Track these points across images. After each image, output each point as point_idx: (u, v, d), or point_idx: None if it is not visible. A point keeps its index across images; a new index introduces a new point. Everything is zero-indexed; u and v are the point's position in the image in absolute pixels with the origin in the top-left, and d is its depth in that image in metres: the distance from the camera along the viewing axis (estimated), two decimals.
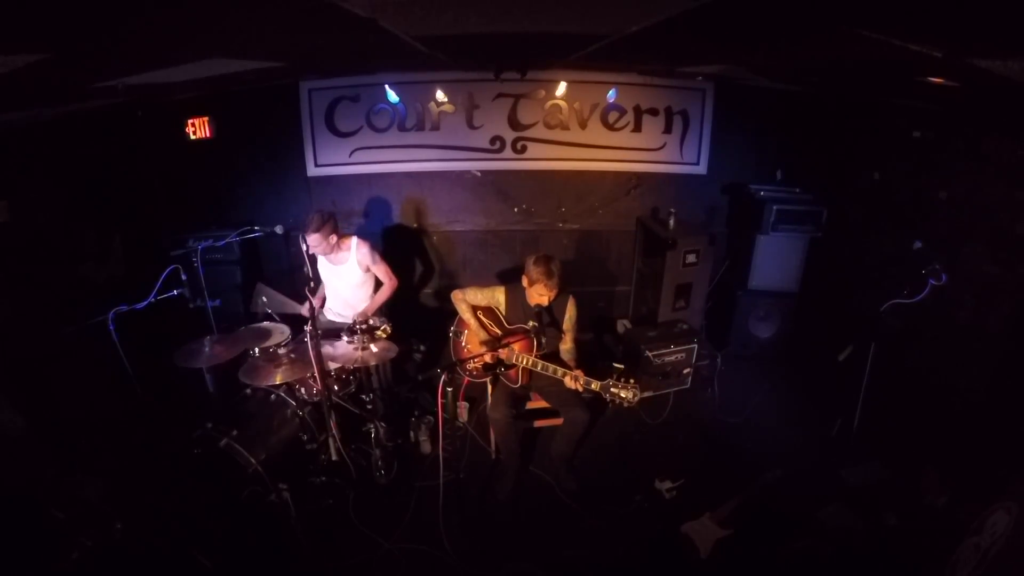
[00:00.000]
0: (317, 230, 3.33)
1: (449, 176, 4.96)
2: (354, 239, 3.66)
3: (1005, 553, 1.47)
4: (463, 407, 3.95)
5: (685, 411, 4.15)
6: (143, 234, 4.38)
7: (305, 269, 3.10)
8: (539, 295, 3.12)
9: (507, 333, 3.33)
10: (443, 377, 2.67)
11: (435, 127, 4.79)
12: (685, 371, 4.19)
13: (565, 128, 4.84)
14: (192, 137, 4.32)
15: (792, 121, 4.71)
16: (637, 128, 4.87)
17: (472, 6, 1.79)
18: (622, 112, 4.81)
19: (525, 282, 3.18)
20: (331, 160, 4.83)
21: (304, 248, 3.08)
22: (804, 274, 4.58)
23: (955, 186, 3.35)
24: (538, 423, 3.61)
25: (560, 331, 3.33)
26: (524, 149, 4.89)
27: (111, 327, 3.15)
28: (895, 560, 2.57)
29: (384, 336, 3.30)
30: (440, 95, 4.56)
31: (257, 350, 3.26)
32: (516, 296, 3.31)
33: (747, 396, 4.23)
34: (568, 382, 2.97)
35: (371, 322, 3.31)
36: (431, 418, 3.76)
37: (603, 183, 5.04)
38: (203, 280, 3.62)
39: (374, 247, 3.73)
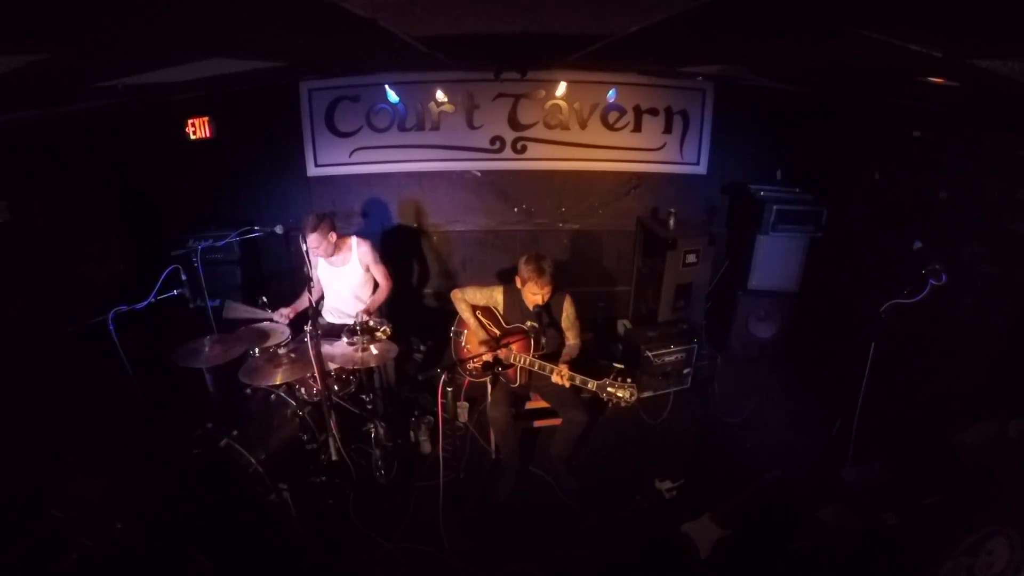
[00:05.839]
0: (315, 229, 3.37)
1: (449, 176, 4.96)
2: (353, 238, 3.69)
3: None
4: (463, 407, 3.95)
5: (685, 411, 4.15)
6: (143, 234, 4.38)
7: (305, 269, 3.11)
8: (532, 294, 3.12)
9: (505, 333, 3.33)
10: (443, 377, 2.67)
11: (435, 127, 4.79)
12: (685, 371, 4.19)
13: (565, 128, 4.84)
14: (192, 137, 4.31)
15: (792, 121, 4.71)
16: (637, 128, 4.87)
17: (472, 6, 1.78)
18: (622, 112, 4.81)
19: (518, 282, 3.19)
20: (331, 160, 4.84)
21: (304, 249, 3.08)
22: (804, 274, 4.57)
23: (955, 186, 3.35)
24: (538, 423, 3.61)
25: (560, 331, 3.33)
26: (524, 149, 4.89)
27: (111, 327, 3.15)
28: (894, 560, 2.57)
29: (384, 337, 3.30)
30: (440, 95, 4.56)
31: (257, 350, 3.26)
32: (513, 297, 3.31)
33: (747, 396, 4.22)
34: (554, 378, 2.97)
35: (371, 323, 3.31)
36: (431, 418, 3.76)
37: (603, 183, 5.05)
38: (203, 280, 3.62)
39: (374, 246, 3.75)
